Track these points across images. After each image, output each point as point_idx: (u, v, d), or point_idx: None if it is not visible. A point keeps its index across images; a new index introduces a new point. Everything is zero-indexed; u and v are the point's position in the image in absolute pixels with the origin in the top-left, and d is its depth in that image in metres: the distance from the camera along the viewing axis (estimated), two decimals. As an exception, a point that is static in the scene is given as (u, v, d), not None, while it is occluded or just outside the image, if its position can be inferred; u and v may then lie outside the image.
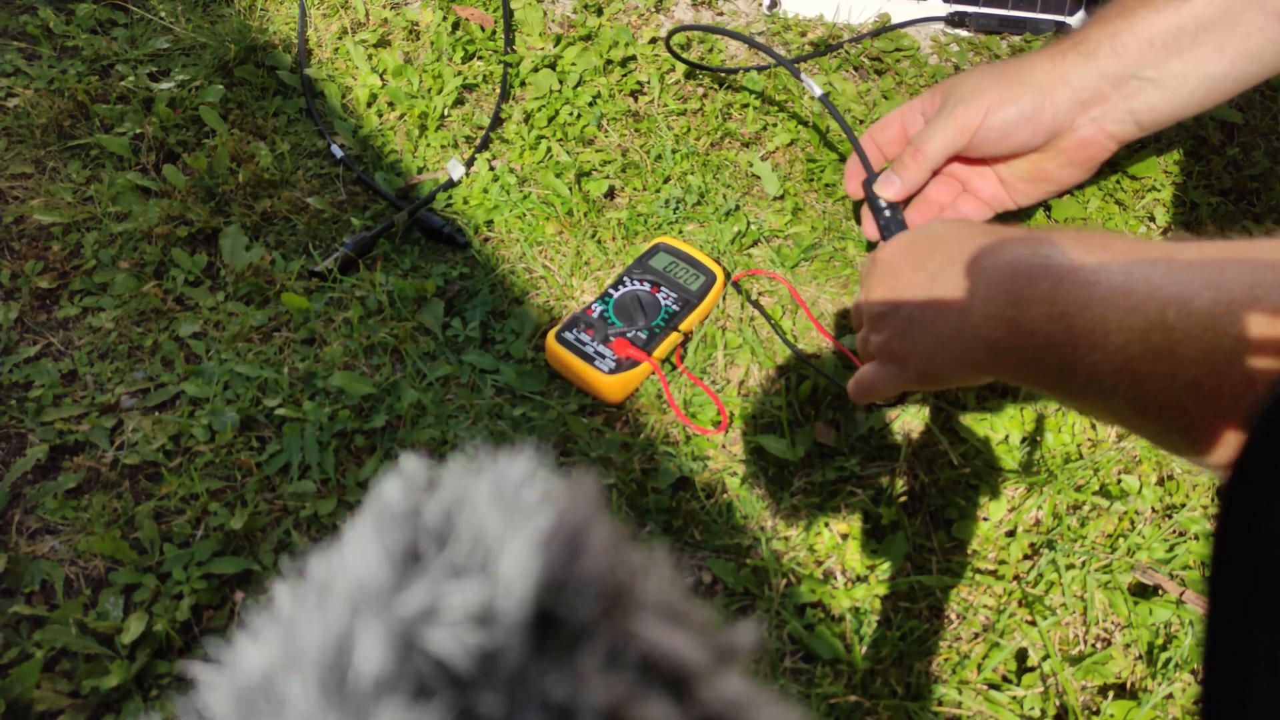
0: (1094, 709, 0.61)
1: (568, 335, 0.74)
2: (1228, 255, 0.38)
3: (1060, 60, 0.63)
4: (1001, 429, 0.72)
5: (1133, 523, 0.68)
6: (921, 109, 0.72)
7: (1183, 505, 0.69)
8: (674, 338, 0.75)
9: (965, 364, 0.50)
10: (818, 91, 0.77)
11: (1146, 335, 0.38)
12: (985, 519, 0.68)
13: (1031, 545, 0.67)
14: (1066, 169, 0.67)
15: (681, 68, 0.99)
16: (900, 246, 0.55)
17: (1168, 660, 0.62)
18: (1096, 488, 0.70)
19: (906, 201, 0.74)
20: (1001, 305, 0.45)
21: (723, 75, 0.86)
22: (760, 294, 0.82)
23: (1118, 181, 0.90)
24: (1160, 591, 0.65)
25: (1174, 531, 0.68)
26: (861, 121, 0.96)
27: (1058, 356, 0.42)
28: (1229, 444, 0.36)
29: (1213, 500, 0.70)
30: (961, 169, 0.72)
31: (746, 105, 0.97)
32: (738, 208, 0.88)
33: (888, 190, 0.70)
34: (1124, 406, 0.41)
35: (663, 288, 0.78)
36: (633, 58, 1.01)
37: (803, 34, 1.05)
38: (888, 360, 0.56)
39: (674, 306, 0.77)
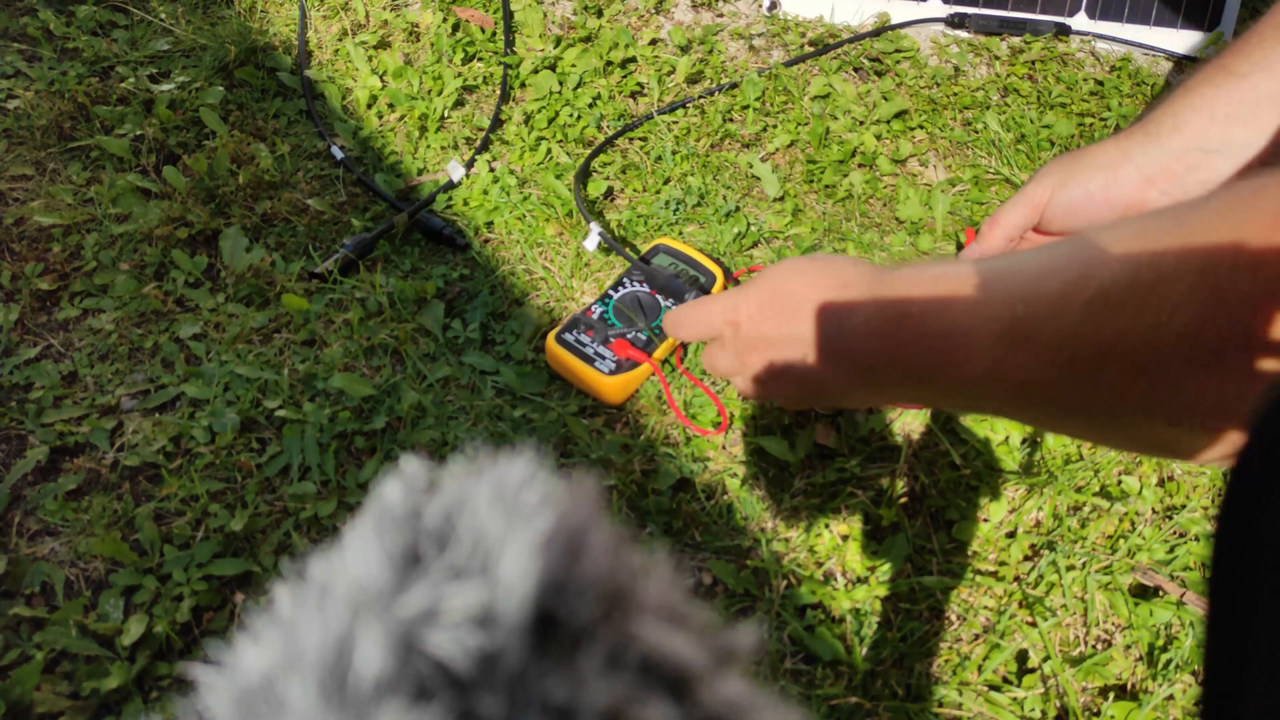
0: (1095, 710, 0.61)
1: (568, 336, 0.74)
2: (1059, 242, 0.42)
3: (1126, 141, 0.66)
4: (1001, 430, 0.72)
5: (1133, 524, 0.68)
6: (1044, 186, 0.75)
7: (1183, 506, 0.69)
8: (674, 339, 0.75)
9: (851, 401, 0.57)
10: (592, 240, 0.82)
11: (1002, 336, 0.42)
12: (986, 520, 0.68)
13: (1032, 546, 0.67)
14: None
15: (681, 69, 0.99)
16: (757, 307, 0.55)
17: (1168, 661, 0.62)
18: (1097, 489, 0.70)
19: None
20: (881, 363, 0.48)
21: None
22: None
23: (1118, 182, 0.90)
24: (1161, 593, 0.65)
25: (1174, 533, 0.68)
26: (862, 123, 0.96)
27: (942, 381, 0.46)
28: (1096, 405, 0.40)
29: (1213, 501, 0.70)
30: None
31: (747, 107, 0.97)
32: (738, 209, 0.88)
33: (973, 255, 0.74)
34: (1002, 402, 0.45)
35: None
36: (633, 59, 1.01)
37: (803, 35, 1.05)
38: (762, 396, 0.58)
39: (674, 308, 0.76)
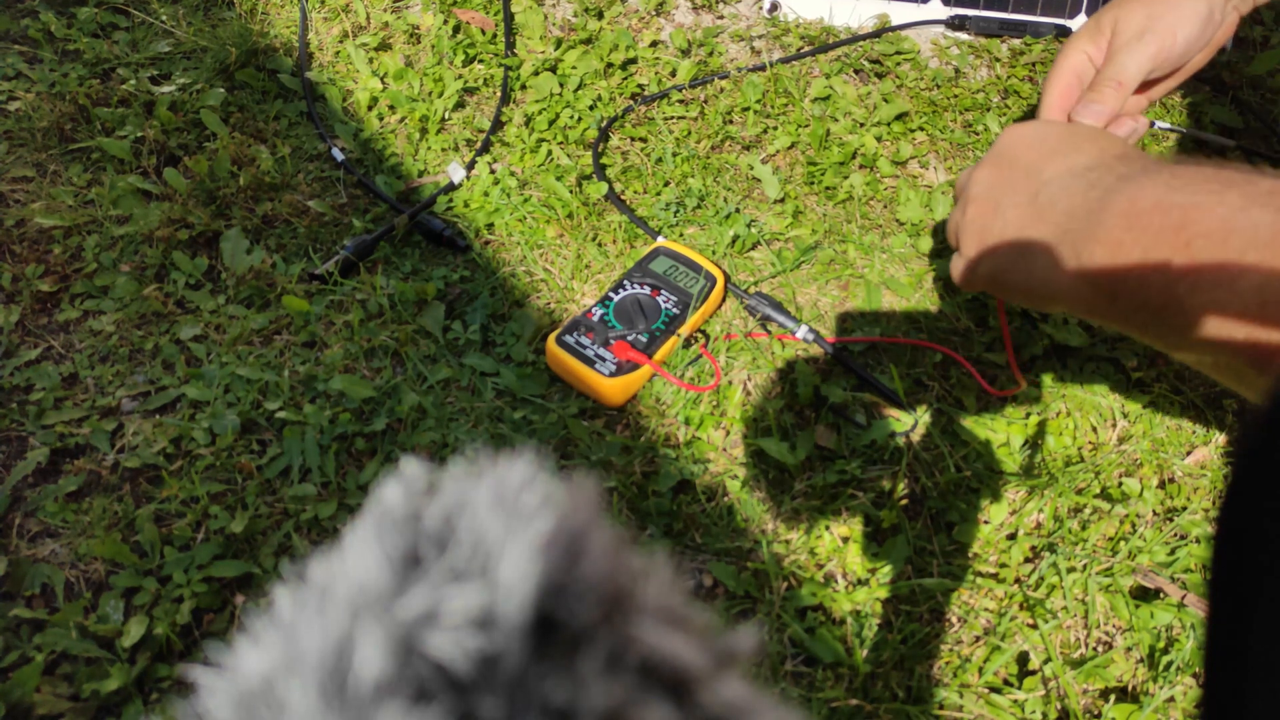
0: (1095, 712, 0.60)
1: (568, 338, 0.74)
2: None
3: None
4: (1002, 432, 0.72)
5: (1134, 526, 0.68)
6: (1088, 53, 0.73)
7: (1184, 508, 0.69)
8: (674, 341, 0.75)
9: (1064, 286, 0.50)
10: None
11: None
12: (986, 522, 0.68)
13: (1032, 548, 0.67)
14: (1206, 58, 0.71)
15: (683, 72, 0.99)
16: (1030, 134, 0.57)
17: (1169, 663, 0.62)
18: (1097, 491, 0.69)
19: None
20: (1122, 241, 0.46)
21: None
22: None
23: (1118, 184, 0.90)
24: (1161, 594, 0.65)
25: (1175, 534, 0.68)
26: (862, 125, 0.96)
27: (1166, 294, 0.44)
28: None
29: (1214, 503, 0.69)
30: None
31: (747, 109, 0.97)
32: (738, 211, 0.88)
33: (1090, 117, 0.71)
34: (1239, 357, 0.42)
35: (663, 291, 0.78)
36: (633, 60, 1.01)
37: (803, 37, 1.05)
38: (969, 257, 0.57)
39: (674, 310, 0.77)
